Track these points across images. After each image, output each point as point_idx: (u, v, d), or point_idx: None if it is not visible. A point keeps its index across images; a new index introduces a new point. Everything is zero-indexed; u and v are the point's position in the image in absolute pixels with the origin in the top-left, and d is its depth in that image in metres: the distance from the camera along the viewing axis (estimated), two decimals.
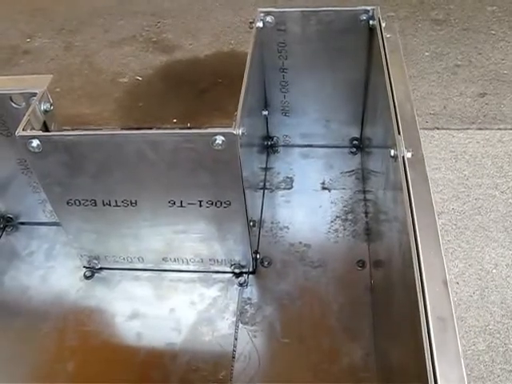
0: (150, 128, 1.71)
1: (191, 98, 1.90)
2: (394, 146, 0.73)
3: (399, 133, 0.77)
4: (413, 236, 0.61)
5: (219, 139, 0.75)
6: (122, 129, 1.76)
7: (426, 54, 2.10)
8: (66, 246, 1.14)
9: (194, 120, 1.79)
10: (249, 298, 0.95)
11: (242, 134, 0.76)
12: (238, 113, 0.80)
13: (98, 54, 2.25)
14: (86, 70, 2.16)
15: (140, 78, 2.02)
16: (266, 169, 1.34)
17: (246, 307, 0.92)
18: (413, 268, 0.56)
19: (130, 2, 2.58)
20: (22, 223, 1.27)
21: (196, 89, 1.95)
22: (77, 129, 1.44)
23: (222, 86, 1.93)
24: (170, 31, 2.33)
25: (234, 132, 0.75)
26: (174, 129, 1.72)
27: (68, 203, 0.93)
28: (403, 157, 0.70)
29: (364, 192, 1.26)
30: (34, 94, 0.96)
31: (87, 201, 0.91)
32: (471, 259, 1.40)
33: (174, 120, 1.78)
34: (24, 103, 0.98)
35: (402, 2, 2.34)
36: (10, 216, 1.25)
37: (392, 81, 0.95)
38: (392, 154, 0.73)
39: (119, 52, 2.24)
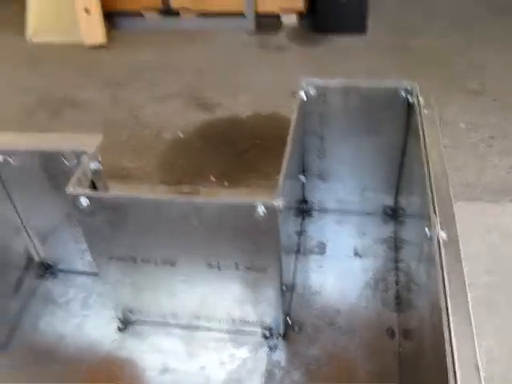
0: (189, 184, 1.75)
1: (230, 158, 1.95)
2: (429, 225, 0.75)
3: (435, 213, 0.79)
4: (445, 314, 0.62)
5: (260, 210, 0.78)
6: (161, 183, 1.81)
7: (461, 124, 2.12)
8: (102, 296, 1.17)
9: (231, 179, 1.83)
10: (278, 362, 0.95)
11: (283, 204, 0.79)
12: (280, 184, 0.83)
13: (143, 108, 2.34)
14: (131, 123, 2.24)
15: (182, 135, 2.09)
16: (300, 232, 1.36)
17: (274, 370, 0.93)
18: (444, 348, 0.57)
19: (175, 59, 2.69)
20: (61, 271, 1.31)
21: (235, 148, 2.00)
22: (121, 181, 1.49)
23: (261, 147, 1.98)
24: (212, 90, 2.41)
25: (275, 203, 0.78)
26: (214, 187, 1.76)
27: (109, 258, 0.97)
28: (438, 237, 0.72)
29: (396, 261, 1.27)
30: (85, 153, 1.02)
31: (128, 257, 0.95)
32: (503, 335, 1.38)
33: (213, 178, 1.83)
34: (75, 160, 1.03)
35: (438, 72, 2.39)
36: (50, 263, 1.30)
37: (428, 157, 0.97)
38: (427, 233, 0.75)
39: (163, 107, 2.33)
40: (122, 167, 1.73)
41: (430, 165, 0.94)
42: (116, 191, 0.92)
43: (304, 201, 1.44)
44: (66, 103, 2.46)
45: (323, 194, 1.44)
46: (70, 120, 2.35)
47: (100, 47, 2.85)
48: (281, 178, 0.84)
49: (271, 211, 0.78)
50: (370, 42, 2.70)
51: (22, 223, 1.23)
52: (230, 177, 1.85)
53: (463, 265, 0.68)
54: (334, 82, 1.19)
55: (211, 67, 2.60)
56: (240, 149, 2.00)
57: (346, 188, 1.42)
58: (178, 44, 2.84)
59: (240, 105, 2.28)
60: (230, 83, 2.46)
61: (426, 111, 1.11)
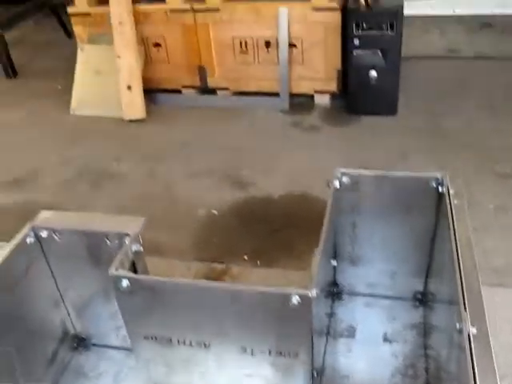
0: (222, 262, 1.79)
1: (263, 237, 2.00)
2: (460, 320, 0.78)
3: (464, 304, 0.81)
4: None
5: (295, 299, 0.82)
6: (195, 260, 1.85)
7: (490, 206, 2.14)
8: (134, 371, 1.19)
9: (264, 258, 1.87)
10: None
11: (317, 294, 0.82)
12: (314, 274, 0.87)
13: (178, 183, 2.42)
14: (167, 198, 2.32)
15: (216, 212, 2.15)
16: (331, 314, 1.38)
17: None
18: None
19: (210, 136, 2.80)
20: (94, 344, 1.34)
21: (267, 227, 2.05)
22: (156, 256, 1.53)
23: (293, 227, 2.02)
24: (246, 168, 2.48)
25: (310, 294, 0.81)
26: (247, 266, 1.79)
27: (145, 337, 1.00)
28: (468, 332, 0.74)
29: (425, 347, 1.27)
30: (127, 235, 1.08)
31: (163, 337, 0.98)
32: None
33: (245, 257, 1.87)
34: (117, 241, 1.09)
35: (468, 153, 2.43)
36: (84, 337, 1.33)
37: (458, 246, 1.00)
38: (458, 328, 0.77)
39: (198, 184, 2.40)
40: (157, 242, 1.79)
41: (460, 254, 0.97)
42: (155, 276, 0.96)
43: (335, 283, 1.46)
44: (106, 175, 2.56)
45: (354, 278, 1.46)
46: (109, 192, 2.44)
47: (139, 121, 2.98)
48: (315, 268, 0.88)
49: (305, 300, 0.81)
50: (401, 123, 2.77)
51: (60, 297, 1.28)
52: (262, 255, 1.89)
53: (493, 356, 0.70)
54: (367, 172, 1.24)
55: (245, 145, 2.69)
56: (272, 228, 2.04)
57: (376, 272, 1.44)
58: (213, 121, 2.95)
59: (273, 184, 2.35)
60: (263, 162, 2.53)
61: (455, 201, 1.15)
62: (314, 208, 2.13)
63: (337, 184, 1.23)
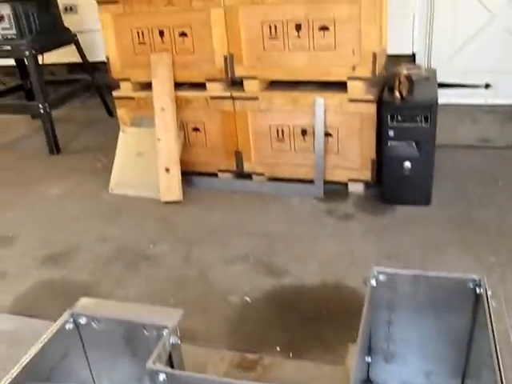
0: (255, 352, 1.81)
1: (295, 326, 2.02)
2: None
3: None
4: None
5: None
6: (227, 348, 1.86)
7: None
8: None
9: (296, 349, 1.88)
10: None
11: None
12: (351, 373, 0.90)
13: (212, 268, 2.47)
14: (200, 283, 2.37)
15: (249, 300, 2.18)
16: None
17: None
18: None
19: (245, 221, 2.87)
20: None
21: (301, 317, 2.07)
22: (188, 342, 1.55)
23: (326, 318, 2.04)
24: (280, 255, 2.53)
25: None
26: (279, 357, 1.81)
27: None
28: None
29: None
30: (165, 327, 1.12)
31: None
32: None
33: (278, 348, 1.88)
34: (155, 333, 1.14)
35: (502, 245, 2.43)
36: None
37: (496, 347, 1.02)
38: None
39: (232, 270, 2.45)
40: (190, 328, 1.81)
41: (498, 355, 0.98)
42: (191, 372, 0.99)
43: (368, 380, 1.47)
44: (141, 256, 2.63)
45: (388, 375, 1.47)
46: (144, 274, 2.50)
47: (176, 203, 3.07)
48: (352, 367, 0.91)
49: None
50: (434, 213, 2.80)
51: (94, 383, 1.31)
52: (294, 345, 1.90)
53: None
54: (404, 271, 1.27)
55: (279, 231, 2.75)
56: (305, 317, 2.06)
57: (411, 371, 1.45)
58: (248, 206, 3.03)
59: (306, 272, 2.38)
60: (297, 249, 2.58)
61: (493, 303, 1.17)
62: (347, 299, 2.15)
63: (373, 282, 1.26)
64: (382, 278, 1.27)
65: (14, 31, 3.96)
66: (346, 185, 3.11)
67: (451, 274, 1.28)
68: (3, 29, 3.98)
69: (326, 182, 3.09)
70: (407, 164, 2.82)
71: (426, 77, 3.09)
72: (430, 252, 2.47)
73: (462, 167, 3.27)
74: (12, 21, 3.92)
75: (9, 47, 4.02)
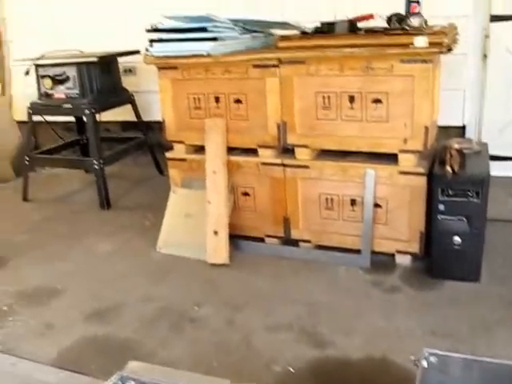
0: None
1: None
2: None
3: None
4: None
5: None
6: None
7: None
8: None
9: None
10: None
11: None
12: None
13: (256, 334, 2.50)
14: (244, 348, 2.39)
15: (292, 370, 2.18)
16: None
17: None
18: None
19: (290, 289, 2.90)
20: None
21: None
22: None
23: None
24: (324, 325, 2.54)
25: None
26: None
27: None
28: None
29: None
30: None
31: None
32: None
33: None
34: None
35: None
36: None
37: None
38: None
39: (275, 337, 2.47)
40: None
41: None
42: None
43: None
44: (186, 317, 2.68)
45: None
46: (188, 335, 2.55)
47: (222, 266, 3.13)
48: None
49: None
50: (484, 290, 2.77)
51: None
52: None
53: None
54: (456, 354, 1.28)
55: (324, 301, 2.77)
56: None
57: None
58: (294, 273, 3.07)
59: (351, 344, 2.38)
60: (342, 320, 2.59)
61: None
62: (393, 375, 2.13)
63: (425, 364, 1.27)
64: (433, 359, 1.28)
65: (76, 91, 4.19)
66: (393, 256, 3.11)
67: (505, 362, 1.27)
68: (67, 88, 4.22)
69: (372, 253, 3.09)
70: (457, 238, 2.82)
71: (477, 151, 3.11)
72: (478, 331, 2.43)
73: None
74: (76, 81, 4.16)
75: (70, 105, 4.26)
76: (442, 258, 2.90)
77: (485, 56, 4.09)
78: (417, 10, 3.08)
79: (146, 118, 4.80)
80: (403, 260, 3.09)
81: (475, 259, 2.84)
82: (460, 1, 3.94)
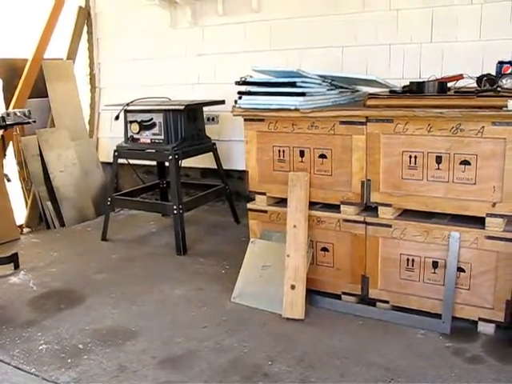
0: None
1: None
2: None
3: None
4: None
5: None
6: None
7: None
8: None
9: None
10: None
11: None
12: None
13: None
14: None
15: None
16: None
17: None
18: None
19: (366, 351, 2.82)
20: None
21: None
22: None
23: None
24: None
25: None
26: None
27: None
28: None
29: None
30: None
31: None
32: None
33: None
34: None
35: None
36: None
37: None
38: None
39: None
40: None
41: None
42: None
43: None
44: (259, 373, 2.65)
45: None
46: None
47: (296, 321, 3.09)
48: None
49: None
50: None
51: None
52: None
53: None
54: None
55: (401, 366, 2.69)
56: None
57: None
58: (370, 333, 3.00)
59: None
60: None
61: None
62: None
63: None
64: None
65: (162, 137, 4.35)
66: (475, 323, 2.98)
67: None
68: (153, 134, 4.38)
69: (453, 318, 2.98)
70: None
71: None
72: None
73: None
74: (162, 128, 4.31)
75: (155, 150, 4.40)
76: None
77: None
78: (509, 71, 3.04)
79: (225, 166, 4.89)
80: (486, 328, 2.96)
81: None
82: None
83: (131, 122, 4.48)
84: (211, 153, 4.73)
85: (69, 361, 2.80)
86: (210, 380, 2.61)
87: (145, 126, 4.42)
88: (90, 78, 5.91)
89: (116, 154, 4.59)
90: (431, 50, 4.18)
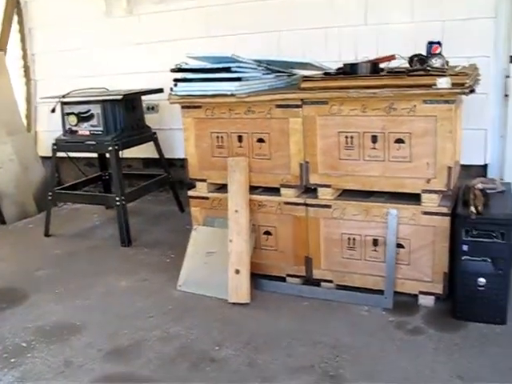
0: None
1: None
2: None
3: None
4: None
5: None
6: None
7: None
8: None
9: None
10: None
11: None
12: None
13: (277, 377, 2.48)
14: None
15: None
16: None
17: None
18: None
19: (311, 330, 2.87)
20: None
21: None
22: None
23: None
24: (347, 368, 2.51)
25: None
26: None
27: None
28: None
29: None
30: None
31: None
32: None
33: None
34: None
35: None
36: None
37: None
38: None
39: (297, 381, 2.45)
40: None
41: None
42: None
43: None
44: (206, 357, 2.66)
45: None
46: (208, 376, 2.52)
47: (242, 305, 3.11)
48: None
49: None
50: (510, 332, 2.72)
51: None
52: None
53: None
54: None
55: (346, 342, 2.73)
56: None
57: None
58: (315, 313, 3.04)
59: None
60: (364, 363, 2.56)
61: None
62: None
63: None
64: None
65: (101, 128, 4.26)
66: (415, 297, 3.06)
67: None
68: (92, 126, 4.29)
69: (395, 293, 3.06)
70: (481, 280, 2.78)
71: (501, 191, 3.09)
72: (506, 376, 2.38)
73: None
74: (100, 119, 4.23)
75: (94, 142, 4.32)
76: (466, 300, 2.85)
77: (506, 96, 4.08)
78: (438, 51, 3.10)
79: (167, 155, 4.85)
80: (426, 301, 3.04)
81: (501, 301, 2.79)
82: (480, 42, 3.96)
83: (68, 114, 4.38)
84: (153, 143, 4.68)
85: (12, 360, 2.73)
86: (157, 369, 2.59)
87: (83, 118, 4.33)
88: (25, 71, 5.73)
89: (54, 147, 4.48)
90: (366, 33, 4.24)
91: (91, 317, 3.14)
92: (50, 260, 4.08)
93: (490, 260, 2.76)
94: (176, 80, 3.32)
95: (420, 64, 3.03)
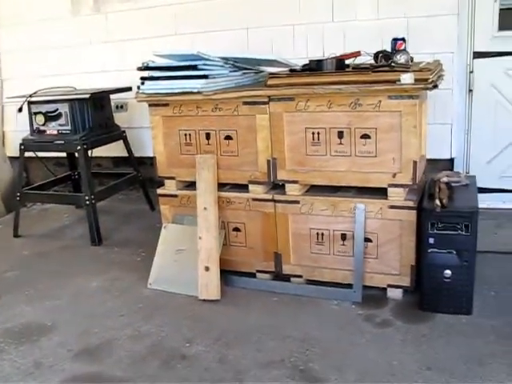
0: None
1: None
2: None
3: None
4: None
5: None
6: None
7: None
8: None
9: None
10: None
11: None
12: None
13: (248, 372, 2.48)
14: None
15: None
16: None
17: None
18: None
19: (281, 324, 2.88)
20: None
21: None
22: None
23: None
24: (317, 362, 2.52)
25: None
26: None
27: None
28: None
29: None
30: None
31: None
32: None
33: None
34: None
35: None
36: None
37: None
38: None
39: (268, 375, 2.45)
40: None
41: None
42: None
43: None
44: (177, 355, 2.65)
45: None
46: (179, 373, 2.52)
47: (213, 302, 3.11)
48: None
49: None
50: (476, 323, 2.76)
51: None
52: None
53: None
54: None
55: (316, 336, 2.75)
56: None
57: None
58: (285, 308, 3.05)
59: (345, 381, 2.37)
60: (334, 356, 2.57)
61: None
62: None
63: None
64: None
65: (69, 127, 4.22)
66: (384, 290, 3.09)
67: None
68: (60, 125, 4.24)
69: (364, 287, 3.08)
70: (447, 272, 2.82)
71: (465, 183, 3.14)
72: (473, 365, 2.41)
73: (503, 274, 3.24)
74: (68, 118, 4.18)
75: (62, 142, 4.27)
76: (432, 292, 2.89)
77: (470, 91, 4.15)
78: (402, 47, 3.14)
79: (137, 153, 4.82)
80: (394, 294, 3.08)
81: (466, 292, 2.84)
82: (444, 38, 4.02)
83: (36, 113, 4.32)
84: (122, 141, 4.65)
85: None
86: (128, 368, 2.58)
87: (50, 117, 4.27)
88: None
89: (22, 147, 4.42)
90: (333, 30, 4.27)
91: (61, 317, 3.10)
92: (19, 261, 4.02)
93: (455, 252, 2.80)
94: (143, 78, 3.30)
95: (385, 60, 3.06)
